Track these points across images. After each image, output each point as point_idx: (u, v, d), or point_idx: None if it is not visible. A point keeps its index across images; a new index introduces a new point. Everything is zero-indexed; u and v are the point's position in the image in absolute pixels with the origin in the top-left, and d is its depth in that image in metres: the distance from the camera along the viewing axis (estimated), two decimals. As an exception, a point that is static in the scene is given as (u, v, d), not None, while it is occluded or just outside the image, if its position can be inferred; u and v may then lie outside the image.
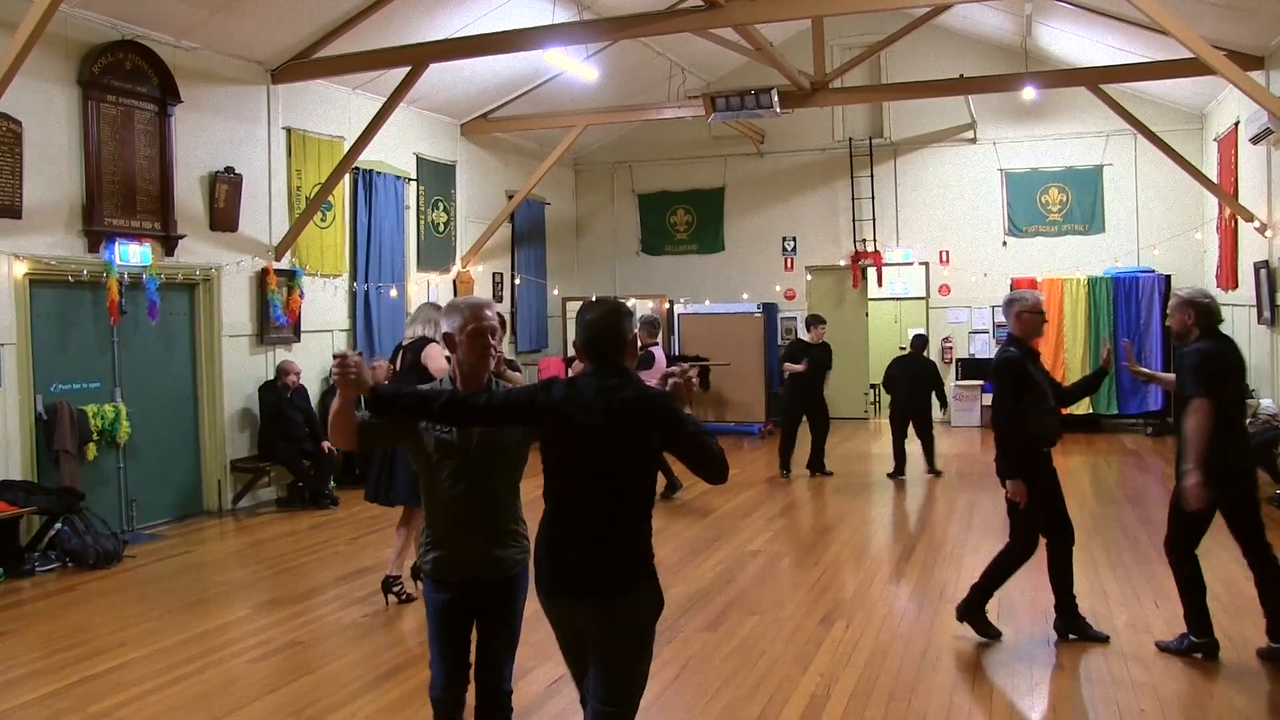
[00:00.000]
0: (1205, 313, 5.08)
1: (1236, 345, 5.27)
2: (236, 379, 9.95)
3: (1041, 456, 5.40)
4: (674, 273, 16.56)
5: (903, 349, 13.09)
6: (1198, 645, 5.14)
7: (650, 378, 9.77)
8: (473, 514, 3.43)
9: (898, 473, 10.74)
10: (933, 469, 10.76)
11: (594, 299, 4.04)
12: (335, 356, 3.35)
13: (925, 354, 11.29)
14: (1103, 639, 5.43)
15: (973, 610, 5.54)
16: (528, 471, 3.58)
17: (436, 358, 6.12)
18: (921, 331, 12.35)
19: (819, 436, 10.99)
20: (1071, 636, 5.47)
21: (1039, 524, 5.42)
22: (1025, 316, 5.46)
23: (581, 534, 3.18)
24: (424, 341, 6.27)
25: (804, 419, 10.94)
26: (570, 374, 6.05)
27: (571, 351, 14.48)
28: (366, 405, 3.40)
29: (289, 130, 10.60)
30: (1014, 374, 5.32)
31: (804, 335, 11.35)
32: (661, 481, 9.29)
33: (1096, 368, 5.72)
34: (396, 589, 6.50)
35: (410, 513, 6.57)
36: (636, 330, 3.36)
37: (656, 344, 9.98)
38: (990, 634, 5.51)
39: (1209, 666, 5.05)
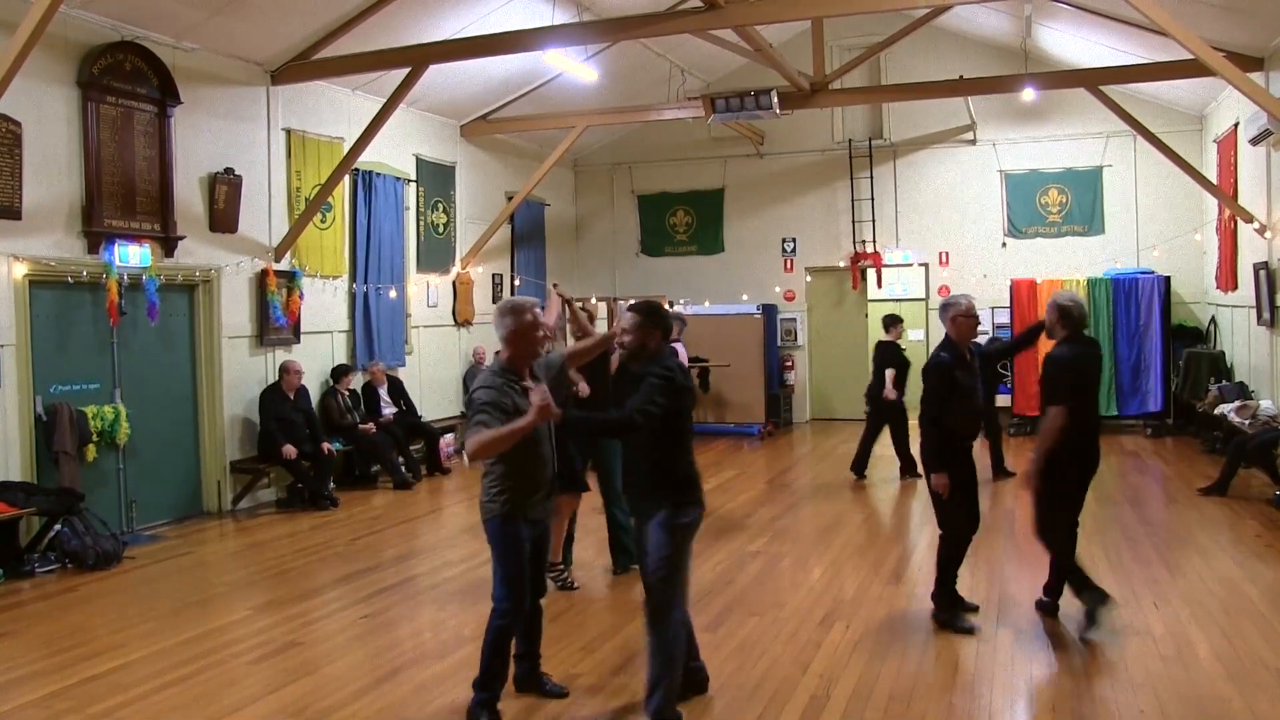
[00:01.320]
0: (1066, 315, 5.60)
1: (1098, 345, 5.87)
2: (236, 380, 9.95)
3: (962, 450, 5.77)
4: (673, 274, 16.55)
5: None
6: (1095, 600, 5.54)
7: None
8: (550, 470, 4.65)
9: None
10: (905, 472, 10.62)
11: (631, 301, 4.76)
12: (533, 393, 4.18)
13: (891, 337, 10.80)
14: (968, 630, 5.65)
15: (943, 608, 5.81)
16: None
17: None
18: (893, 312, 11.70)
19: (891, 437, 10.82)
20: (941, 618, 5.79)
21: (964, 508, 5.79)
22: (959, 320, 5.86)
23: None
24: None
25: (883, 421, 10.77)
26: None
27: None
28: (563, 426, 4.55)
29: (289, 131, 10.60)
30: (942, 377, 5.72)
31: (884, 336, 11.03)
32: None
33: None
34: (553, 574, 6.52)
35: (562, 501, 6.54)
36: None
37: (680, 341, 9.80)
38: (963, 627, 5.68)
39: (1208, 668, 5.05)
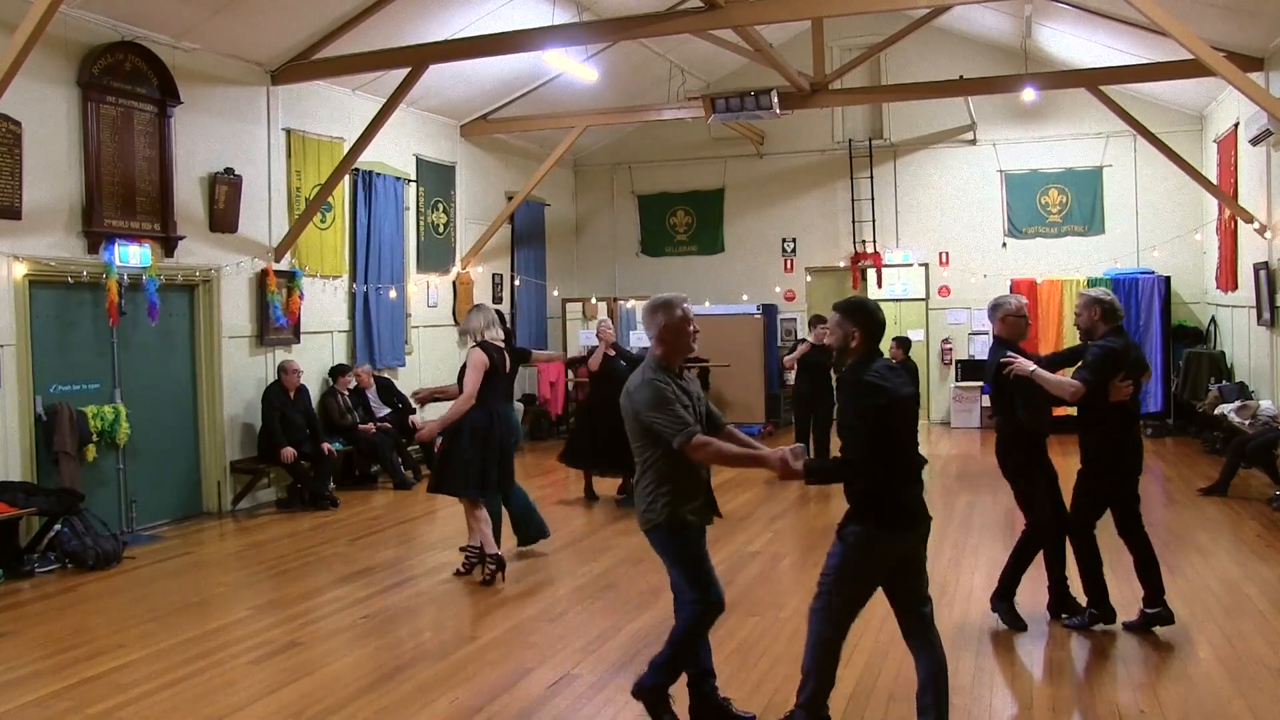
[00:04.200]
0: (1111, 311, 5.72)
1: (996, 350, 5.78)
2: (236, 380, 9.95)
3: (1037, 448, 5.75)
4: (673, 274, 16.53)
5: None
6: (1097, 616, 5.62)
7: None
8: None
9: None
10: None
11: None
12: (779, 452, 4.06)
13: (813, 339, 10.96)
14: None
15: (1002, 599, 5.81)
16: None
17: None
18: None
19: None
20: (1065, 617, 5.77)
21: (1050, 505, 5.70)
22: (1009, 320, 5.80)
23: None
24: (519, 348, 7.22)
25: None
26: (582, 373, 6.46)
27: (572, 353, 14.53)
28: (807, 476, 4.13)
29: (289, 131, 10.60)
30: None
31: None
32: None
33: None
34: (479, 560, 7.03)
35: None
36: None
37: None
38: (1017, 625, 5.71)
39: (1208, 668, 5.05)
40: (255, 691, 5.06)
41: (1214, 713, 4.53)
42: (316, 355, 10.96)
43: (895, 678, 5.01)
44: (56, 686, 5.18)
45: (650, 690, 4.38)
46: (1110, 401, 5.45)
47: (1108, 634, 5.58)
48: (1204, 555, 7.25)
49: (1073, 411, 5.64)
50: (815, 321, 11.00)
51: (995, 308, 5.87)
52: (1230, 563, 7.03)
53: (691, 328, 4.44)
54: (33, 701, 4.99)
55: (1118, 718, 4.50)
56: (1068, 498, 5.79)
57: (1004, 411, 5.73)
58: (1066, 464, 5.92)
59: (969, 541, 7.81)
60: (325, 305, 11.21)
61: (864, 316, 4.04)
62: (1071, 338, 13.74)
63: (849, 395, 3.97)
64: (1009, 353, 5.61)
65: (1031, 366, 5.48)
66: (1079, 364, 5.69)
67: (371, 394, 11.58)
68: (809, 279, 16.17)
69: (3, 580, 7.23)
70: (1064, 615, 5.74)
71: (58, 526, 7.63)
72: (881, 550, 4.00)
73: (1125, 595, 5.91)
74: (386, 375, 12.02)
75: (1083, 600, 5.75)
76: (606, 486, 10.01)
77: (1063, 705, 4.70)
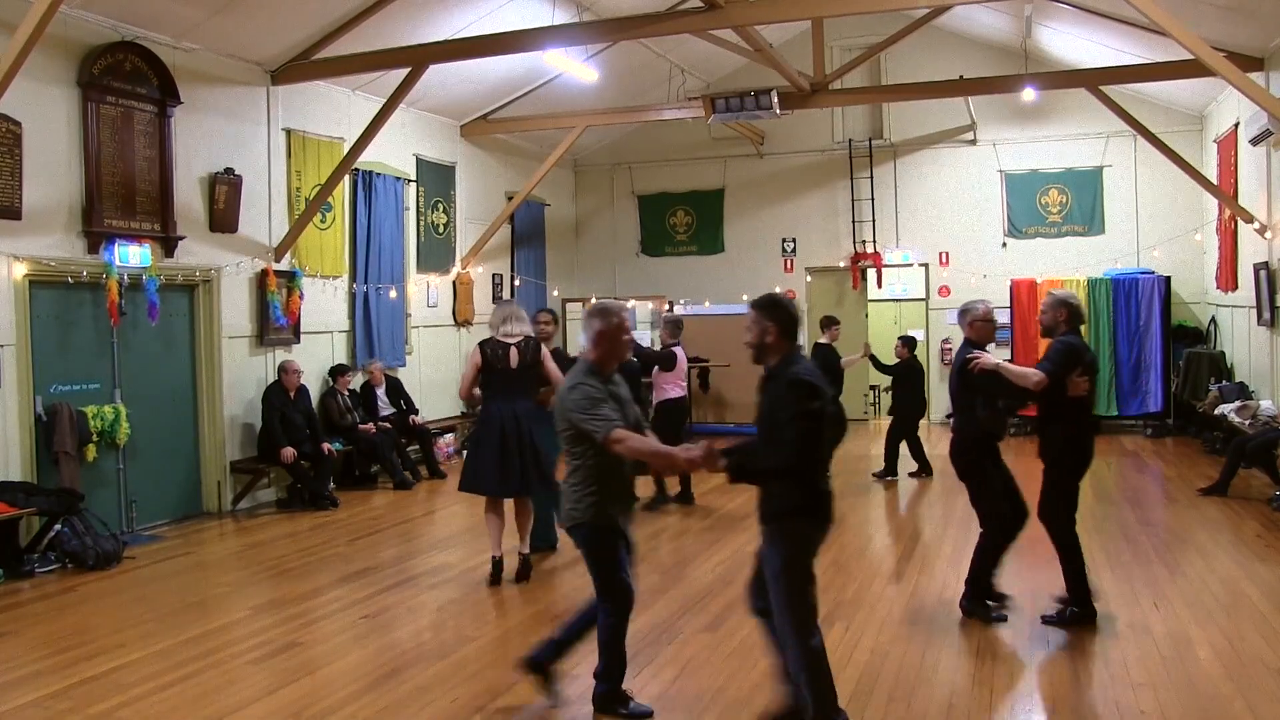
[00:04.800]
0: (1075, 312, 5.88)
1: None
2: (236, 380, 9.95)
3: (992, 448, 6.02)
4: (674, 274, 16.55)
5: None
6: (1080, 615, 5.72)
7: (674, 378, 9.63)
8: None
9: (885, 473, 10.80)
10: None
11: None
12: (700, 458, 4.13)
13: (826, 339, 10.86)
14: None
15: (974, 600, 5.96)
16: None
17: (557, 371, 6.82)
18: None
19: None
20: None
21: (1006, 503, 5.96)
22: (976, 325, 6.08)
23: None
24: (538, 342, 6.98)
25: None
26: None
27: (574, 352, 14.52)
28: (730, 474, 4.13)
29: (289, 131, 10.60)
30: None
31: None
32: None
33: None
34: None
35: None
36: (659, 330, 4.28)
37: (678, 344, 9.86)
38: (991, 616, 5.86)
39: (1209, 668, 5.05)
40: (255, 691, 5.06)
41: (1214, 713, 4.53)
42: (316, 355, 10.96)
43: (895, 678, 5.02)
44: (57, 686, 5.18)
45: (604, 697, 4.61)
46: (1068, 397, 5.66)
47: (1107, 634, 5.57)
48: (1204, 555, 7.25)
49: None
50: (828, 323, 10.94)
51: (964, 312, 6.16)
52: (1230, 563, 7.03)
53: (626, 336, 4.62)
54: (33, 701, 4.99)
55: (1118, 718, 4.50)
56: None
57: (964, 411, 5.96)
58: (1021, 465, 6.15)
59: (969, 541, 7.78)
60: (325, 305, 11.21)
61: (780, 312, 4.14)
62: (1071, 338, 13.75)
63: (783, 394, 4.02)
64: (975, 350, 5.92)
65: (996, 361, 5.82)
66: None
67: (381, 391, 11.61)
68: (809, 279, 16.17)
69: (3, 580, 7.23)
70: (977, 610, 5.93)
71: (58, 526, 7.63)
72: (815, 542, 4.20)
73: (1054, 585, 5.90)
74: (396, 375, 12.03)
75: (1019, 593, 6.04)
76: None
77: (1062, 705, 4.70)
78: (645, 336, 14.93)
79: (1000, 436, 5.98)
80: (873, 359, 11.29)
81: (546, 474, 6.93)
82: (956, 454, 6.02)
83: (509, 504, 7.08)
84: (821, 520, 4.16)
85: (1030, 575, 6.57)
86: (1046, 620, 5.78)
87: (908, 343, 11.31)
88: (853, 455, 10.88)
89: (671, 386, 9.68)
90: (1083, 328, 6.01)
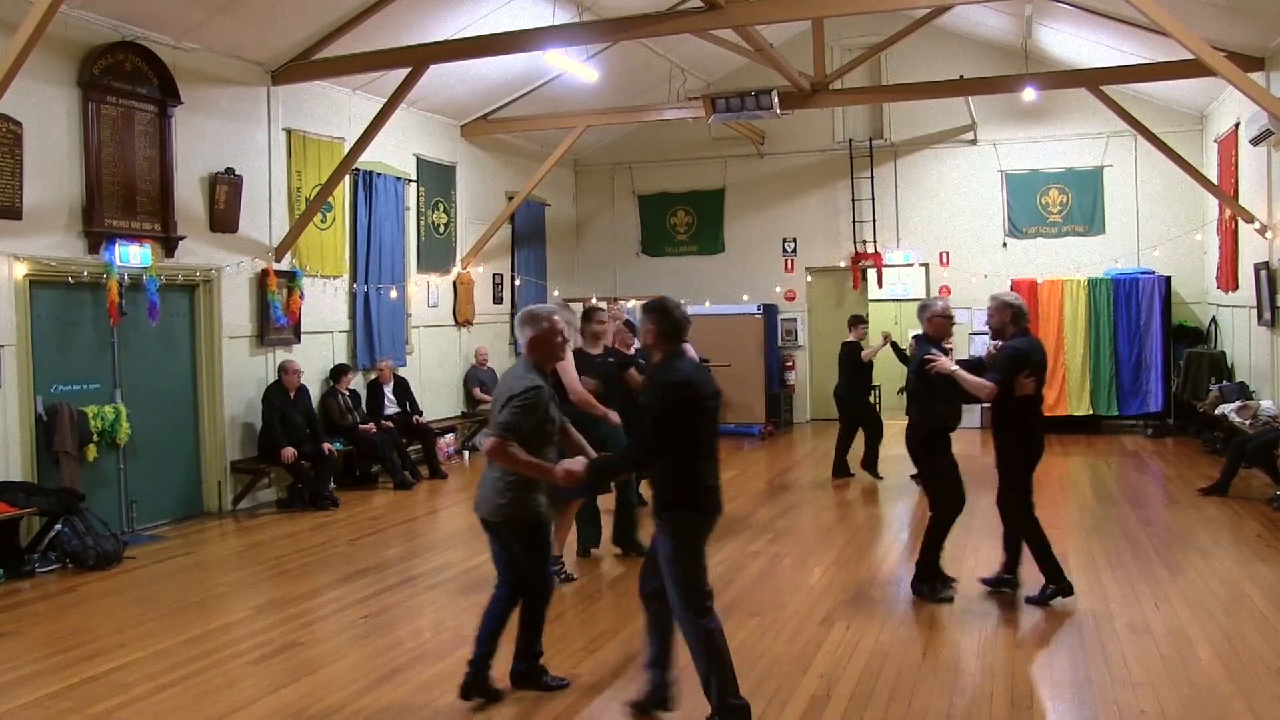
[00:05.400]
0: (1019, 314, 6.19)
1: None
2: (236, 380, 9.95)
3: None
4: (674, 274, 16.55)
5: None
6: (1058, 590, 6.08)
7: None
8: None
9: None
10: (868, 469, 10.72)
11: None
12: (568, 463, 4.57)
13: (854, 337, 10.84)
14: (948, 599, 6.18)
15: (922, 581, 6.33)
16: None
17: (570, 370, 6.67)
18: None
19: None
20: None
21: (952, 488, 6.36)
22: (934, 321, 6.39)
23: None
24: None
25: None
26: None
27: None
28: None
29: (289, 131, 10.60)
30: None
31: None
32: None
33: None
34: (556, 568, 6.65)
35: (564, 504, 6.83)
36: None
37: (687, 343, 9.63)
38: (938, 596, 6.22)
39: (1208, 668, 5.05)
40: (255, 691, 5.06)
41: (1214, 713, 4.53)
42: (317, 355, 10.96)
43: (895, 678, 5.02)
44: (57, 686, 5.18)
45: (523, 676, 4.89)
46: (1016, 397, 5.99)
47: (1107, 634, 5.57)
48: (1204, 555, 7.25)
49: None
50: (854, 321, 10.93)
51: (923, 309, 6.48)
52: (1230, 563, 7.03)
53: (560, 339, 4.84)
54: (33, 701, 5.00)
55: (1118, 718, 4.50)
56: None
57: (920, 404, 6.32)
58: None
59: (969, 542, 7.79)
60: (325, 305, 11.22)
61: (663, 315, 4.46)
62: (1072, 336, 13.77)
63: (656, 388, 4.34)
64: (933, 350, 6.24)
65: (952, 366, 6.12)
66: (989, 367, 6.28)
67: (388, 389, 11.62)
68: (809, 279, 16.17)
69: (3, 580, 7.24)
70: (924, 589, 6.28)
71: (58, 526, 7.64)
72: (703, 531, 4.39)
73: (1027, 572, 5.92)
74: (403, 375, 12.04)
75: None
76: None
77: (1062, 705, 4.70)
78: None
79: (954, 427, 6.33)
80: (893, 346, 11.25)
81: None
82: (912, 443, 6.38)
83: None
84: (706, 512, 4.37)
85: (1033, 582, 6.57)
86: (1030, 601, 6.11)
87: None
88: (854, 456, 10.87)
89: None
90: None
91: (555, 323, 4.82)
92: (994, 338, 6.38)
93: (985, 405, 6.37)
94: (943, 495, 6.32)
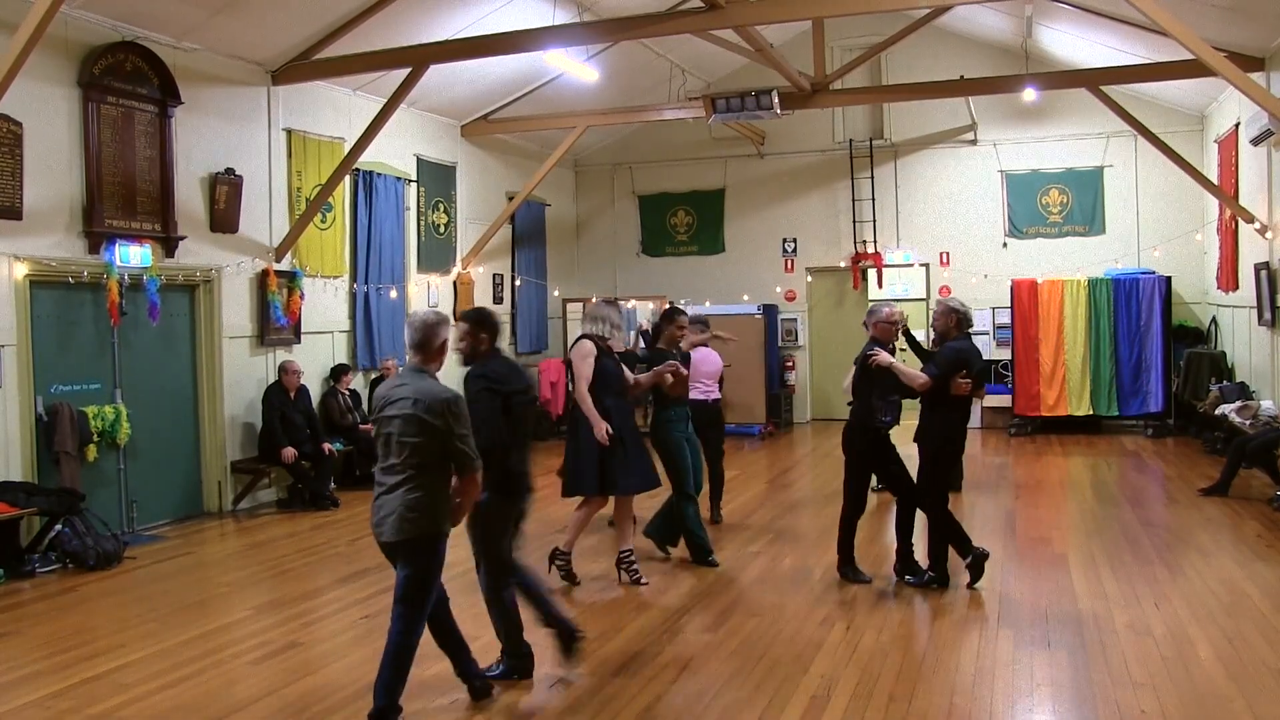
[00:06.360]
0: (964, 319, 6.66)
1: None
2: (237, 380, 9.95)
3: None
4: (674, 274, 16.56)
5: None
6: (934, 579, 6.56)
7: (701, 379, 9.22)
8: None
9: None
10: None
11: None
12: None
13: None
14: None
15: (847, 564, 6.85)
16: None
17: (582, 358, 6.68)
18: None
19: None
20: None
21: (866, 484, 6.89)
22: (880, 326, 6.82)
23: None
24: (577, 340, 6.82)
25: None
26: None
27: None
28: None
29: (289, 131, 10.61)
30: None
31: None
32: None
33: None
34: (561, 562, 6.91)
35: (590, 500, 6.92)
36: (675, 326, 5.54)
37: (708, 345, 9.33)
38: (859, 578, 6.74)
39: (1208, 668, 5.05)
40: (256, 691, 5.06)
41: (1214, 713, 4.53)
42: (317, 355, 10.96)
43: (895, 678, 5.02)
44: (57, 686, 5.19)
45: (383, 711, 4.45)
46: (951, 395, 6.42)
47: (1107, 634, 5.57)
48: (1204, 555, 7.25)
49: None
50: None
51: (871, 313, 6.95)
52: (1230, 563, 7.03)
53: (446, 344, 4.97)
54: (34, 701, 5.00)
55: (1118, 718, 4.50)
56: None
57: (861, 399, 6.68)
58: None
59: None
60: (326, 305, 11.22)
61: (491, 325, 5.10)
62: (1072, 336, 13.77)
63: (470, 387, 4.92)
64: (875, 347, 6.66)
65: (890, 360, 6.57)
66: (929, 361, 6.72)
67: None
68: (809, 279, 16.17)
69: (4, 580, 7.24)
70: (908, 577, 6.65)
71: (58, 526, 7.64)
72: (506, 511, 4.98)
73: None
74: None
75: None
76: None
77: (1062, 705, 4.70)
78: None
79: (893, 424, 6.66)
80: (905, 333, 11.07)
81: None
82: (848, 436, 6.78)
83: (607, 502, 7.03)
84: (512, 495, 4.99)
85: (1033, 582, 6.57)
86: (906, 582, 6.64)
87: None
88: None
89: (695, 387, 9.25)
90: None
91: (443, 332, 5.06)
92: (938, 341, 6.76)
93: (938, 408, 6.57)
94: (856, 491, 6.78)
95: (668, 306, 8.28)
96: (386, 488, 4.44)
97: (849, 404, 6.86)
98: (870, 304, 6.86)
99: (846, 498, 6.84)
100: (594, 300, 7.29)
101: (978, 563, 6.50)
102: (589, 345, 6.67)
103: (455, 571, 7.30)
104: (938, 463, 6.60)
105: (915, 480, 6.69)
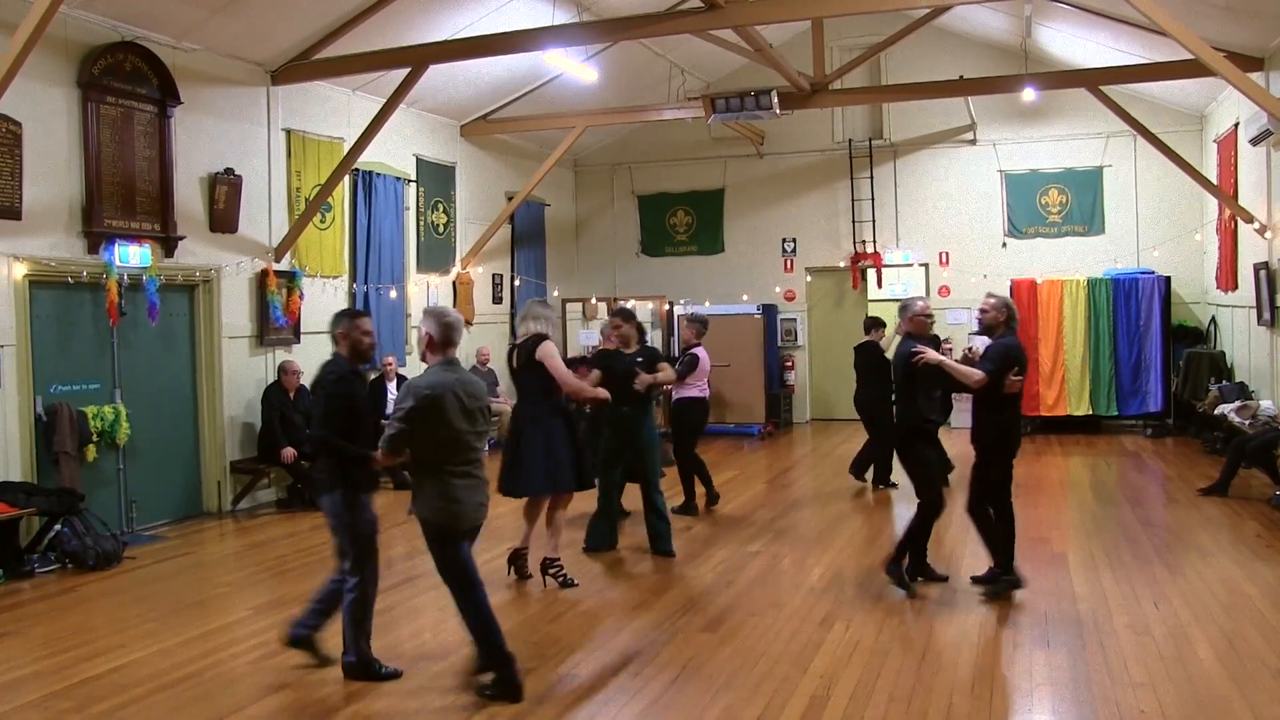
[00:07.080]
0: (1012, 315, 6.46)
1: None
2: (236, 380, 9.95)
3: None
4: (674, 274, 16.55)
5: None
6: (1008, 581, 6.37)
7: (695, 377, 9.28)
8: None
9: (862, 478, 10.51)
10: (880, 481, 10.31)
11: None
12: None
13: (874, 338, 10.40)
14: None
15: (896, 563, 6.58)
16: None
17: (553, 356, 6.71)
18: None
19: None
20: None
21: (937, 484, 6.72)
22: (915, 320, 6.69)
23: None
24: (538, 340, 6.77)
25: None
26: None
27: (572, 353, 14.52)
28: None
29: (289, 131, 10.60)
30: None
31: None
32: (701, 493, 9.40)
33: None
34: (554, 570, 6.83)
35: (555, 498, 6.93)
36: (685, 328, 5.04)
37: (700, 345, 9.47)
38: (908, 587, 6.48)
39: (1208, 668, 5.05)
40: (255, 691, 5.06)
41: (1214, 713, 4.53)
42: (316, 355, 10.89)
43: (895, 679, 5.02)
44: (57, 686, 5.19)
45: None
46: (1004, 394, 6.22)
47: (1107, 634, 5.57)
48: (1204, 555, 7.25)
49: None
50: (872, 324, 10.56)
51: (904, 308, 6.79)
52: (1230, 563, 7.03)
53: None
54: (33, 701, 5.00)
55: (1118, 718, 4.50)
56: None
57: (906, 400, 6.54)
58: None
59: (969, 543, 7.79)
60: (325, 305, 11.17)
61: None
62: (1072, 336, 13.77)
63: (403, 392, 5.02)
64: (917, 345, 6.44)
65: (939, 357, 6.37)
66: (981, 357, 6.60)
67: (392, 386, 11.60)
68: (809, 279, 16.17)
69: (3, 580, 7.23)
70: (919, 577, 6.58)
71: (58, 526, 7.64)
72: (362, 504, 5.23)
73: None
74: (405, 374, 12.01)
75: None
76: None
77: (1062, 705, 4.70)
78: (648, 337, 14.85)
79: (941, 422, 6.60)
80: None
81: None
82: (903, 442, 6.62)
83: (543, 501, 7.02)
84: (361, 489, 5.25)
85: (1032, 582, 6.57)
86: (976, 580, 6.55)
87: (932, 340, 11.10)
88: (851, 455, 10.86)
89: (690, 385, 9.43)
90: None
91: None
92: (984, 333, 6.60)
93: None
94: (929, 491, 6.53)
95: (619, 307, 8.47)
96: (482, 476, 5.03)
97: (892, 405, 6.86)
98: (900, 300, 6.95)
99: (922, 501, 6.56)
100: (530, 301, 7.31)
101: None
102: (553, 345, 6.84)
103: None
104: (996, 463, 6.40)
105: (974, 483, 6.49)
